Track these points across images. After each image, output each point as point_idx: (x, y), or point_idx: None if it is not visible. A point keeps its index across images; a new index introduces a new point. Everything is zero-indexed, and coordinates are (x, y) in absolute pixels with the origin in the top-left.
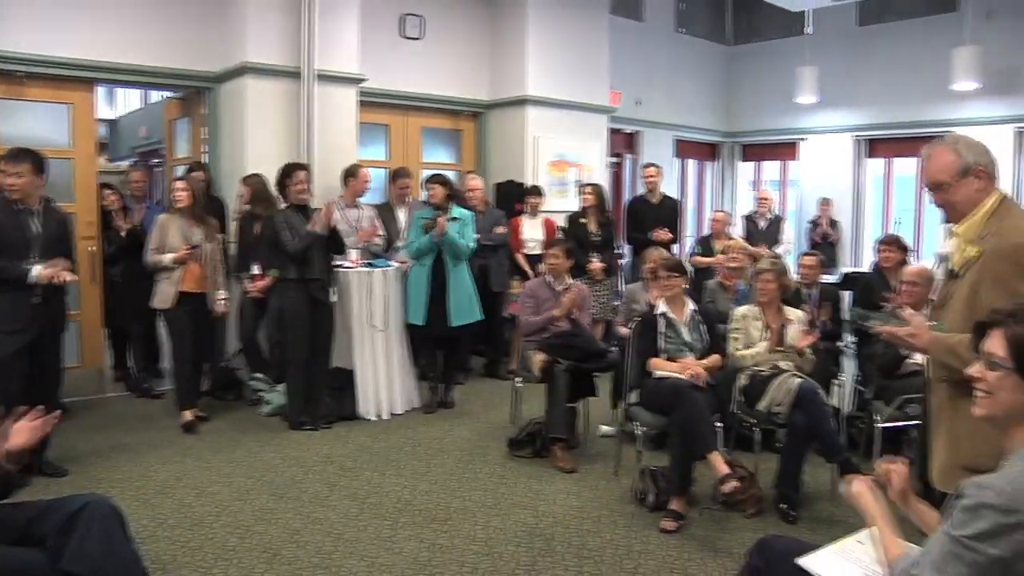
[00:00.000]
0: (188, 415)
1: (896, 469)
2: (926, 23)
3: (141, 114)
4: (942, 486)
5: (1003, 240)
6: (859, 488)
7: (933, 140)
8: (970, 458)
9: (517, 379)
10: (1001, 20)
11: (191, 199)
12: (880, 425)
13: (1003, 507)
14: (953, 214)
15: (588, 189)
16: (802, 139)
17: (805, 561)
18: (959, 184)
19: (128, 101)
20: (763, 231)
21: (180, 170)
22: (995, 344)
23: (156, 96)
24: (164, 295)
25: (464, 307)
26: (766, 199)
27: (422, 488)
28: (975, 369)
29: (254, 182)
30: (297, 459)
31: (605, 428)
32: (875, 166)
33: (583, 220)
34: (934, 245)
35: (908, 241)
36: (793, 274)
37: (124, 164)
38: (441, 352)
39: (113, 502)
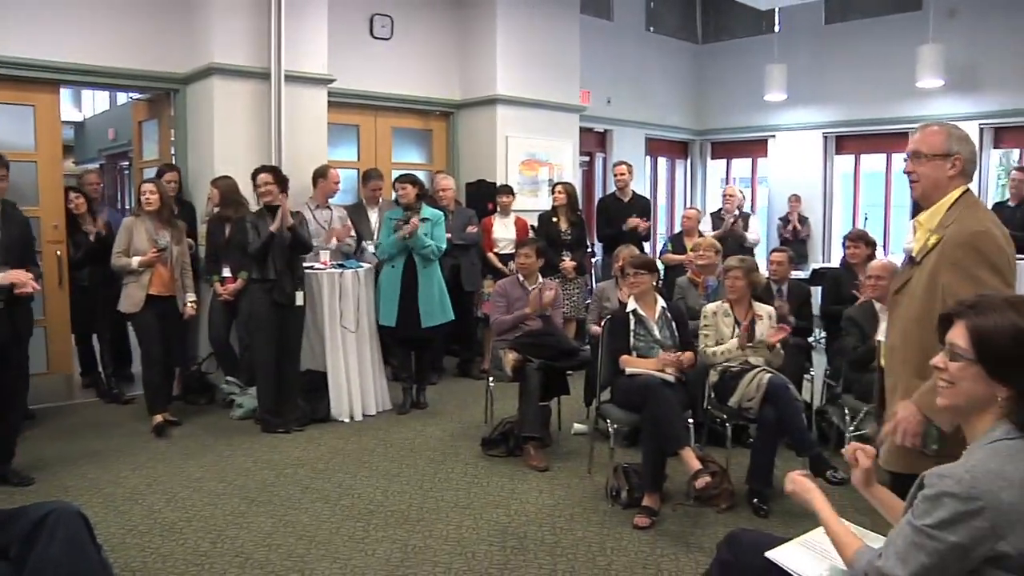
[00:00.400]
0: (158, 418)
1: (863, 450)
2: (891, 21)
3: (109, 116)
4: (888, 465)
5: (961, 228)
6: (802, 484)
7: (942, 122)
8: (922, 440)
9: (490, 378)
10: (963, 18)
11: (160, 202)
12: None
13: (963, 495)
14: (916, 189)
15: (559, 188)
16: (771, 136)
17: (773, 554)
18: (934, 162)
19: (95, 103)
20: (731, 228)
21: (149, 172)
22: (957, 335)
23: (124, 98)
24: (131, 299)
25: (435, 308)
26: (732, 196)
27: (395, 489)
28: (938, 359)
29: (223, 184)
30: (269, 462)
31: (578, 426)
32: (843, 162)
33: (554, 219)
34: (902, 240)
35: (874, 236)
36: (763, 270)
37: (91, 167)
38: (413, 353)
39: (80, 509)
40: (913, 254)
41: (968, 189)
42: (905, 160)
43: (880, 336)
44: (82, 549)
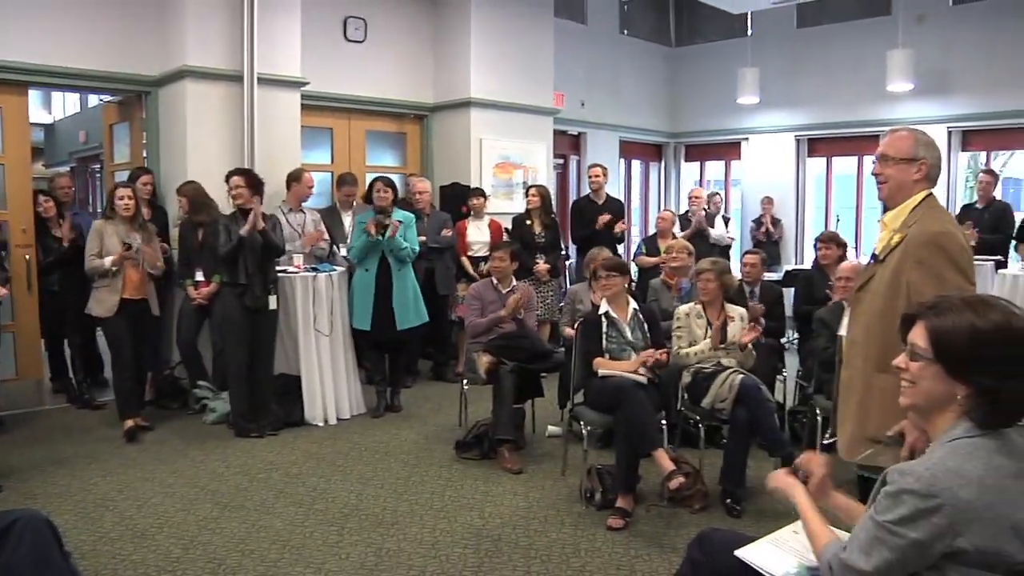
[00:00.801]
0: (130, 423)
1: (815, 460)
2: (862, 26)
3: (79, 118)
4: (847, 456)
5: (924, 228)
6: (781, 480)
7: (911, 127)
8: (877, 430)
9: (464, 381)
10: (931, 24)
11: (136, 207)
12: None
13: (922, 492)
14: (883, 190)
15: (533, 191)
16: (744, 139)
17: (743, 552)
18: (900, 165)
19: (66, 105)
20: (697, 229)
21: (121, 176)
22: (917, 335)
23: (95, 100)
24: (103, 303)
25: (410, 310)
26: (698, 198)
27: (369, 493)
28: (900, 359)
29: (189, 190)
30: (242, 467)
31: (553, 428)
32: (815, 165)
33: (528, 222)
34: (873, 241)
35: (846, 238)
36: (736, 272)
37: (62, 170)
38: (387, 356)
39: (47, 517)
40: (876, 252)
41: (931, 193)
42: (874, 162)
43: (841, 331)
44: (49, 558)
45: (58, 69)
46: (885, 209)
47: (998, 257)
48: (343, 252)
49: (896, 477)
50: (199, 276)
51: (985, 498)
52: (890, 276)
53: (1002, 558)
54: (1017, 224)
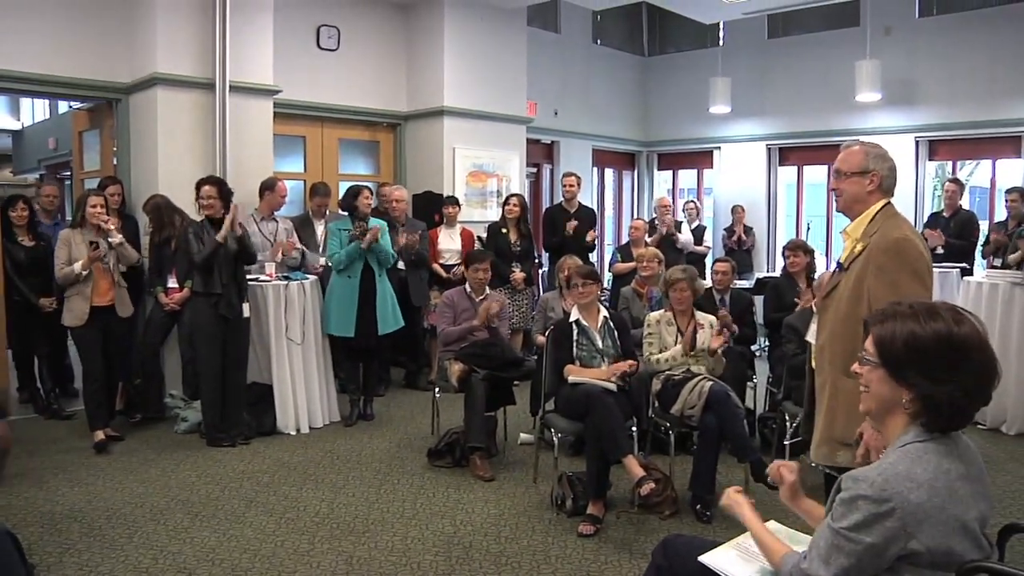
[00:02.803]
0: (100, 435)
1: (785, 466)
2: (831, 37)
3: (49, 125)
4: (816, 459)
5: (884, 235)
6: (734, 499)
7: (864, 141)
8: (843, 433)
9: (436, 389)
10: (898, 36)
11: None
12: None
13: (875, 497)
14: (839, 203)
15: (514, 200)
16: (716, 148)
17: (706, 558)
18: (853, 178)
19: (35, 111)
20: (664, 236)
21: (91, 183)
22: (868, 341)
23: (64, 106)
24: (75, 312)
25: (389, 315)
26: (666, 206)
27: (340, 501)
28: (855, 365)
29: (152, 206)
30: (213, 476)
31: (524, 436)
32: (787, 173)
33: (504, 230)
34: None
35: (814, 246)
36: (707, 279)
37: (31, 177)
38: (360, 364)
39: (7, 528)
40: (841, 261)
41: (889, 202)
42: (832, 175)
43: (810, 338)
44: (11, 570)
45: (26, 75)
46: (839, 204)
47: (963, 264)
48: (322, 260)
49: (850, 484)
50: (171, 282)
51: (935, 500)
52: (853, 283)
53: (953, 557)
54: (983, 232)
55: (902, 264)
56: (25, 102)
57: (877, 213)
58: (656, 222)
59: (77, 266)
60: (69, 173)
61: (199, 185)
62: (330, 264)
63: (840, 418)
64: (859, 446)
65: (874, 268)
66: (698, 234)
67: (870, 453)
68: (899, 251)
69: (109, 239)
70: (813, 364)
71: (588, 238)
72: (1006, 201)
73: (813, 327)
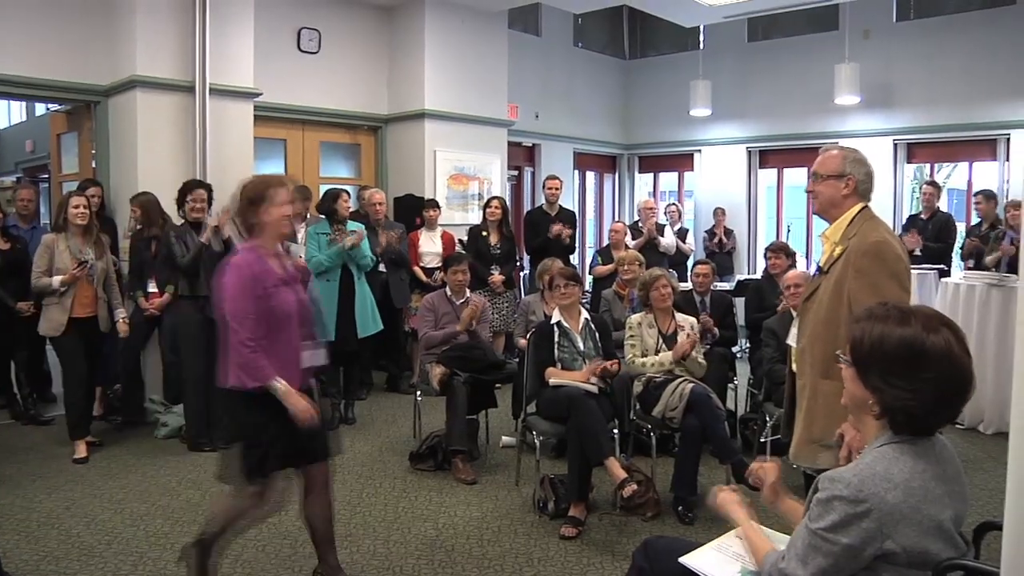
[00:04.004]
0: (81, 447)
1: (766, 467)
2: (810, 40)
3: (25, 127)
4: (796, 461)
5: (863, 239)
6: (723, 497)
7: (843, 146)
8: (823, 435)
9: (418, 393)
10: (876, 40)
11: (89, 217)
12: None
13: (851, 498)
14: (815, 206)
15: (495, 203)
16: (697, 151)
17: (687, 559)
18: (829, 182)
19: (11, 113)
20: (649, 238)
21: (69, 186)
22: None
23: (42, 109)
24: (53, 322)
25: (369, 318)
26: (651, 209)
27: None
28: (840, 365)
29: (144, 201)
30: (194, 481)
31: (506, 439)
32: (767, 176)
33: (484, 233)
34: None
35: (796, 248)
36: (686, 281)
37: (7, 180)
38: (341, 368)
39: None
40: (821, 264)
41: (866, 206)
42: (808, 178)
43: (790, 341)
44: None
45: (3, 76)
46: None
47: (941, 266)
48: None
49: (827, 484)
50: (151, 287)
51: (911, 501)
52: (833, 286)
53: (929, 557)
54: (960, 234)
55: (881, 267)
56: (1, 104)
57: (855, 216)
58: (640, 224)
59: (55, 280)
60: (47, 176)
61: (190, 188)
62: (310, 267)
63: (819, 420)
64: (841, 447)
65: (853, 271)
66: (680, 237)
67: (852, 454)
68: (878, 254)
69: (87, 258)
70: (794, 366)
71: (564, 235)
72: (975, 203)
73: (793, 330)
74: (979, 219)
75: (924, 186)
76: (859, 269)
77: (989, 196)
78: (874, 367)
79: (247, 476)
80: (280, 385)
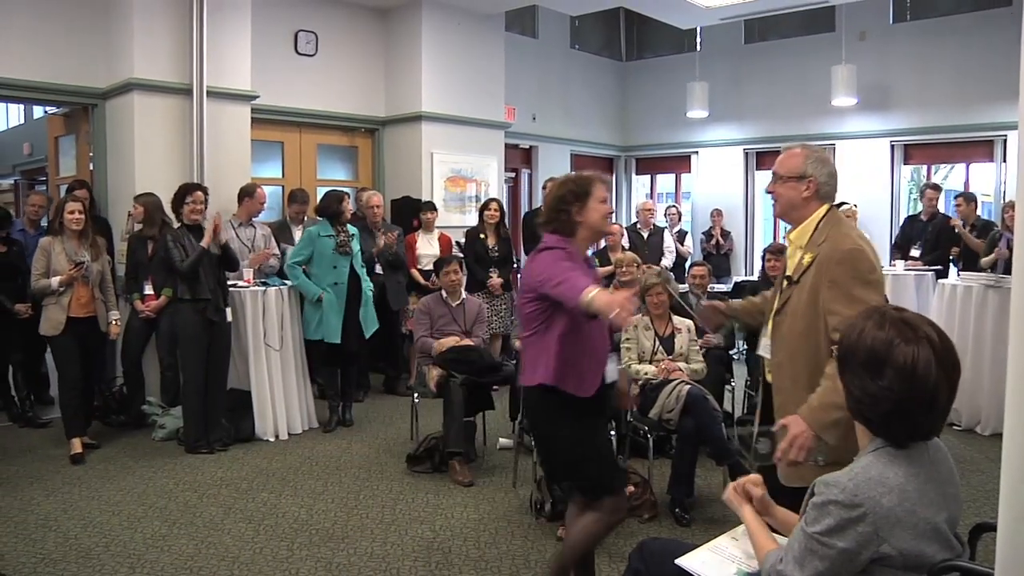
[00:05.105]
0: (77, 444)
1: (750, 481)
2: (807, 42)
3: (23, 130)
4: (786, 480)
5: (835, 246)
6: (734, 498)
7: (802, 143)
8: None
9: (415, 395)
10: (873, 41)
11: (85, 221)
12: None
13: (846, 502)
14: (777, 207)
15: (494, 205)
16: (694, 152)
17: (682, 560)
18: (790, 183)
19: (9, 116)
20: (646, 241)
21: (65, 190)
22: None
23: (39, 111)
24: (52, 322)
25: (371, 317)
26: (649, 210)
27: (319, 507)
28: None
29: (147, 201)
30: (191, 483)
31: (503, 441)
32: (764, 177)
33: (482, 236)
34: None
35: None
36: (684, 283)
37: (5, 183)
38: (339, 370)
39: None
40: (789, 273)
41: (832, 208)
42: (771, 179)
43: (762, 352)
44: None
45: (0, 80)
46: (775, 209)
47: (938, 268)
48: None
49: (822, 488)
50: (147, 290)
51: (906, 504)
52: (807, 297)
53: (924, 559)
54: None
55: (855, 275)
56: None
57: (821, 220)
58: (638, 225)
59: (55, 281)
60: (44, 179)
61: (189, 190)
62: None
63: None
64: (782, 438)
65: (827, 281)
66: (679, 239)
67: (793, 447)
68: (851, 262)
69: (84, 260)
70: (769, 378)
71: None
72: (955, 205)
73: (764, 340)
74: (961, 220)
75: (927, 190)
76: (833, 279)
77: (969, 198)
78: (848, 365)
79: (597, 491)
80: (594, 293)
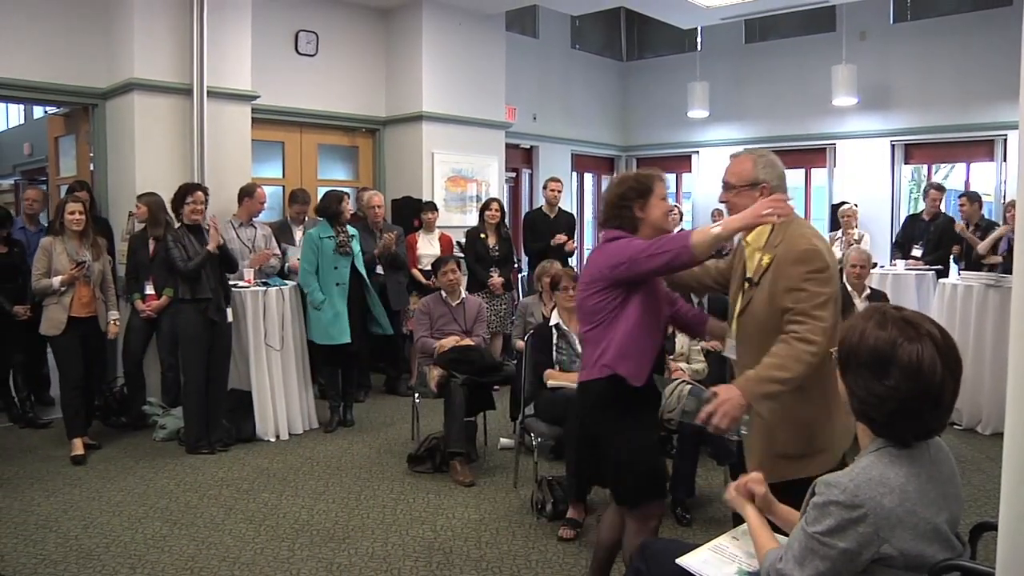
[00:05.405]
0: (78, 445)
1: (752, 480)
2: (807, 42)
3: (23, 130)
4: (766, 478)
5: (791, 246)
6: (736, 498)
7: (752, 149)
8: (785, 447)
9: (416, 395)
10: (873, 41)
11: (86, 221)
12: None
13: (847, 503)
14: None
15: (495, 205)
16: (695, 152)
17: (684, 560)
18: (744, 192)
19: (9, 116)
20: None
21: (66, 190)
22: None
23: (39, 111)
24: (53, 321)
25: (383, 313)
26: None
27: (320, 508)
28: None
29: (151, 201)
30: (192, 484)
31: (504, 441)
32: None
33: (482, 235)
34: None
35: None
36: None
37: (6, 183)
38: (340, 370)
39: None
40: (750, 276)
41: None
42: (722, 190)
43: (728, 354)
44: None
45: (1, 80)
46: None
47: (939, 267)
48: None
49: (823, 488)
50: (148, 290)
51: (907, 504)
52: (767, 298)
53: (925, 560)
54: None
55: (810, 275)
56: None
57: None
58: None
59: (56, 281)
60: (44, 179)
61: (190, 190)
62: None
63: (779, 433)
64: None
65: (784, 282)
66: None
67: (719, 414)
68: (808, 262)
69: (84, 259)
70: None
71: (567, 248)
72: (959, 205)
73: (731, 343)
74: (965, 220)
75: (931, 190)
76: (789, 279)
77: (973, 198)
78: (850, 367)
79: (641, 494)
80: (709, 226)
